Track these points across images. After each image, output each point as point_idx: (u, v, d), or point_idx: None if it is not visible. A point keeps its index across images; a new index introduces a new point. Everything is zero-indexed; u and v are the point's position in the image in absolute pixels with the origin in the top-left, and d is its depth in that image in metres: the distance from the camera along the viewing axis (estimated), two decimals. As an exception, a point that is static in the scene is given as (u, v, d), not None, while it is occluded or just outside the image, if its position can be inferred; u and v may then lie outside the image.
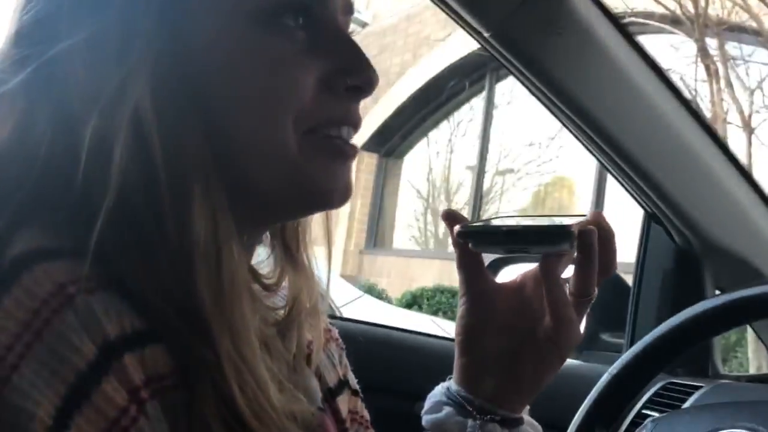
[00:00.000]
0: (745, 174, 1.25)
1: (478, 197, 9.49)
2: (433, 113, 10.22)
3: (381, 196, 10.51)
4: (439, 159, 10.45)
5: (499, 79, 9.19)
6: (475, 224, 0.68)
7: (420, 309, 7.83)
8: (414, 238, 10.68)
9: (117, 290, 0.47)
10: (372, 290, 8.12)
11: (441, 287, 8.03)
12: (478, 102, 9.82)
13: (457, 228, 0.66)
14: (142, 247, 0.49)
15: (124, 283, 0.48)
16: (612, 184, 7.82)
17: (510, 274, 0.77)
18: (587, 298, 0.66)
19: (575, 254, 0.65)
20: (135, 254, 0.48)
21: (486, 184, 9.64)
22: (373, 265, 10.06)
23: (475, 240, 0.66)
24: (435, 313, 7.35)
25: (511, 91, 9.07)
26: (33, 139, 0.51)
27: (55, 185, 0.50)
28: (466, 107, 10.11)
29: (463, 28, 1.04)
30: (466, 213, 9.65)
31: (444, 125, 10.38)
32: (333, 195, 0.58)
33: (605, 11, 1.07)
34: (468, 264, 0.69)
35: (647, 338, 0.94)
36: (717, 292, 1.31)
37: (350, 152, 0.59)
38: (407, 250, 10.34)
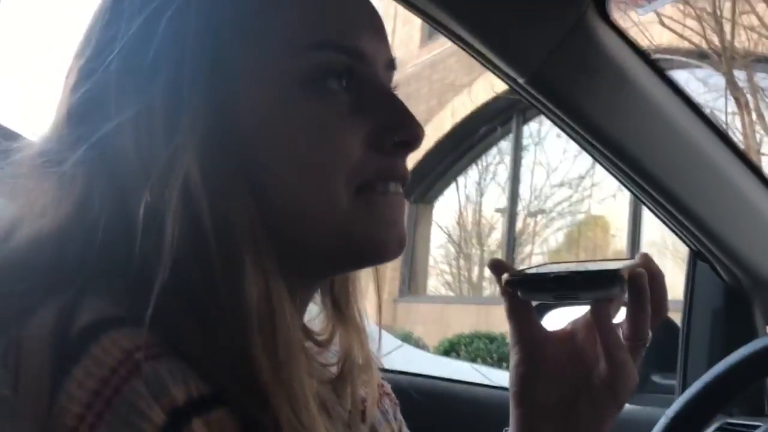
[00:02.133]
0: (790, 206, 1.22)
1: (511, 240, 9.45)
2: (461, 157, 10.25)
3: (413, 243, 10.50)
4: (469, 203, 10.45)
5: (525, 120, 9.21)
6: (522, 272, 0.67)
7: (458, 356, 7.75)
8: (448, 284, 10.62)
9: (181, 355, 0.48)
10: (408, 339, 8.05)
11: (478, 333, 7.96)
12: (505, 144, 9.84)
13: (505, 277, 0.66)
14: (198, 314, 0.49)
15: (186, 349, 0.48)
16: (647, 222, 7.75)
17: (555, 319, 0.76)
18: (642, 342, 0.65)
19: (626, 298, 0.65)
20: (192, 322, 0.49)
21: (518, 226, 9.59)
22: (408, 313, 10.00)
23: (524, 288, 0.66)
24: (474, 359, 7.27)
25: (539, 132, 9.08)
26: (92, 216, 0.52)
27: (114, 259, 0.51)
28: (493, 150, 10.13)
29: (498, 76, 1.05)
30: (499, 256, 9.60)
31: (473, 169, 10.40)
32: (387, 247, 0.59)
33: (635, 49, 1.08)
34: (518, 313, 0.68)
35: (701, 380, 0.92)
36: (769, 328, 1.28)
37: (400, 202, 0.60)
38: (441, 296, 10.29)
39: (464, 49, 1.05)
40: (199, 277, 0.50)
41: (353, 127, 0.57)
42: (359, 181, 0.57)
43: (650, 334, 0.66)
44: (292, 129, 0.55)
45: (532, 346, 0.68)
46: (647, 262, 0.65)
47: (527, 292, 0.66)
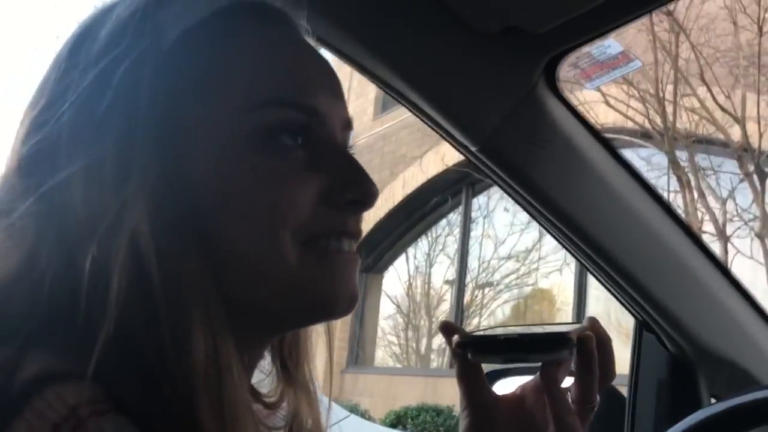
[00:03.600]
0: (732, 279, 1.26)
1: (459, 311, 9.46)
2: (411, 228, 10.32)
3: (361, 313, 10.44)
4: (418, 273, 10.47)
5: (475, 193, 9.35)
6: (473, 334, 0.68)
7: (405, 429, 7.65)
8: (396, 356, 10.54)
9: (126, 412, 0.46)
10: (355, 411, 7.93)
11: (425, 406, 7.87)
12: (455, 217, 9.95)
13: (455, 338, 0.66)
14: (144, 372, 0.48)
15: (130, 407, 0.47)
16: (592, 296, 7.86)
17: (505, 386, 0.76)
18: (590, 406, 0.66)
19: (573, 362, 0.65)
20: (137, 379, 0.48)
21: (466, 298, 9.63)
22: (355, 385, 9.87)
23: (475, 350, 0.66)
24: (420, 432, 7.18)
25: (487, 205, 9.22)
26: (39, 269, 0.51)
27: (60, 313, 0.49)
28: (443, 222, 10.23)
29: (451, 143, 1.07)
30: (448, 328, 9.58)
31: (422, 240, 10.46)
32: (338, 304, 0.58)
33: (584, 122, 1.11)
34: (468, 376, 0.68)
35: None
36: (712, 399, 1.30)
37: (353, 259, 0.60)
38: (389, 368, 10.19)
39: (420, 118, 1.06)
40: (145, 333, 0.49)
41: (306, 182, 0.57)
42: (308, 234, 0.57)
43: (598, 398, 0.66)
44: (243, 183, 0.55)
45: (482, 409, 0.68)
46: (595, 325, 0.66)
47: (477, 354, 0.66)
